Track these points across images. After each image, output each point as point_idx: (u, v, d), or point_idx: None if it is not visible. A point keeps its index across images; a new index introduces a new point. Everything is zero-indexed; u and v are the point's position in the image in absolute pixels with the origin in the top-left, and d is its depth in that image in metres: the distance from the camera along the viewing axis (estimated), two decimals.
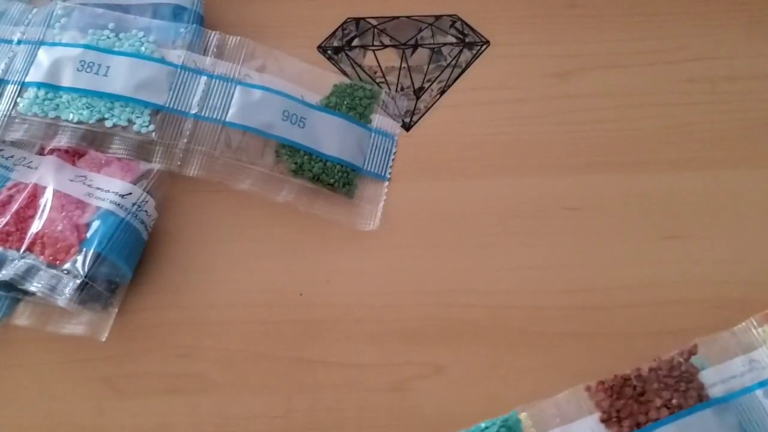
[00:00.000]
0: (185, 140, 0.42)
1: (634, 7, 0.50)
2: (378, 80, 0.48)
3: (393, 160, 0.45)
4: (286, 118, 0.43)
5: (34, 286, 0.38)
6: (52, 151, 0.42)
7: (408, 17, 0.50)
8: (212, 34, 0.45)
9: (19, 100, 0.42)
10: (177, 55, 0.43)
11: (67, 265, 0.38)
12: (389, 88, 0.48)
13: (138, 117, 0.42)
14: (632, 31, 0.49)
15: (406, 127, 0.47)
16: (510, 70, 0.48)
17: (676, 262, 0.42)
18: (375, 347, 0.40)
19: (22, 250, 0.39)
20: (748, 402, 0.35)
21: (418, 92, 0.48)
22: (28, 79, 0.42)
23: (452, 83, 0.48)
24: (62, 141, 0.42)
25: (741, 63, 0.48)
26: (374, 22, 0.50)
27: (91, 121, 0.42)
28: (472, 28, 0.50)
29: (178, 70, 0.43)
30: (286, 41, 0.48)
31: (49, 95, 0.42)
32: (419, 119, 0.47)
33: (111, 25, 0.44)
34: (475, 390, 0.39)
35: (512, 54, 0.48)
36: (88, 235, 0.39)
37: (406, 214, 0.44)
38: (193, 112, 0.42)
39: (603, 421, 0.35)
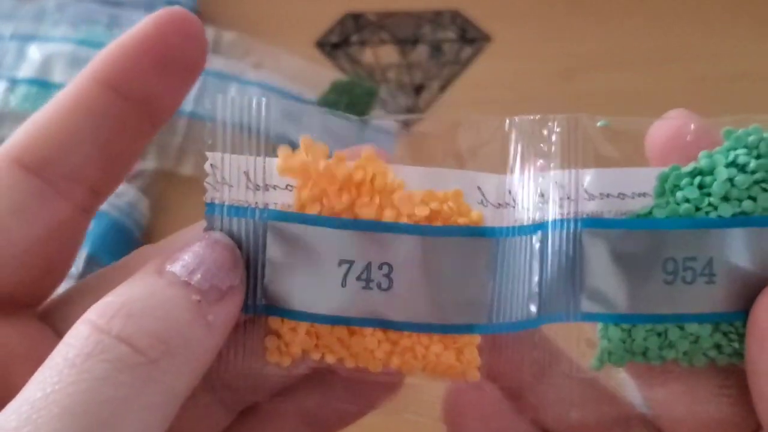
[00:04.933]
0: (180, 138, 0.42)
1: (639, 5, 0.49)
2: (377, 77, 0.47)
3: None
4: (283, 116, 0.42)
5: None
6: None
7: (408, 13, 0.49)
8: (207, 30, 0.44)
9: (11, 97, 0.41)
10: None
11: None
12: (388, 86, 0.47)
13: None
14: (637, 29, 0.48)
15: (406, 125, 0.46)
16: (512, 68, 0.47)
17: None
18: None
19: None
20: None
21: (418, 90, 0.47)
22: (19, 76, 0.42)
23: (453, 80, 0.47)
24: None
25: (748, 62, 0.47)
26: (373, 18, 0.49)
27: None
28: (473, 24, 0.49)
29: None
30: (284, 37, 0.47)
31: (41, 92, 0.41)
32: (419, 117, 0.46)
33: (104, 21, 0.43)
34: None
35: (514, 51, 0.48)
36: None
37: None
38: (187, 109, 0.42)
39: None
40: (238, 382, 0.19)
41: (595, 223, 0.18)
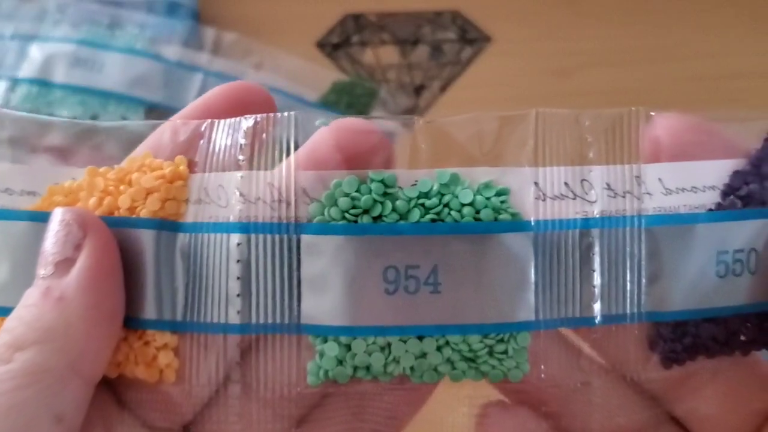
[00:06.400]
0: None
1: (637, 3, 0.49)
2: (377, 78, 0.47)
3: None
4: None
5: None
6: (44, 150, 0.42)
7: (408, 13, 0.49)
8: (208, 31, 0.44)
9: (11, 96, 0.41)
10: (172, 52, 0.43)
11: None
12: (389, 86, 0.47)
13: (132, 114, 0.41)
14: (635, 28, 0.48)
15: (407, 125, 0.46)
16: (512, 67, 0.47)
17: None
18: None
19: None
20: None
21: (419, 90, 0.47)
22: (20, 75, 0.42)
23: (453, 80, 0.47)
24: (55, 139, 0.41)
25: (745, 61, 0.47)
26: (373, 18, 0.49)
27: (84, 119, 0.41)
28: (473, 25, 0.49)
29: (174, 66, 0.42)
30: (284, 37, 0.47)
31: (42, 92, 0.41)
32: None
33: (105, 21, 0.43)
34: None
35: (514, 51, 0.48)
36: None
37: None
38: None
39: None
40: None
41: (310, 228, 0.17)
